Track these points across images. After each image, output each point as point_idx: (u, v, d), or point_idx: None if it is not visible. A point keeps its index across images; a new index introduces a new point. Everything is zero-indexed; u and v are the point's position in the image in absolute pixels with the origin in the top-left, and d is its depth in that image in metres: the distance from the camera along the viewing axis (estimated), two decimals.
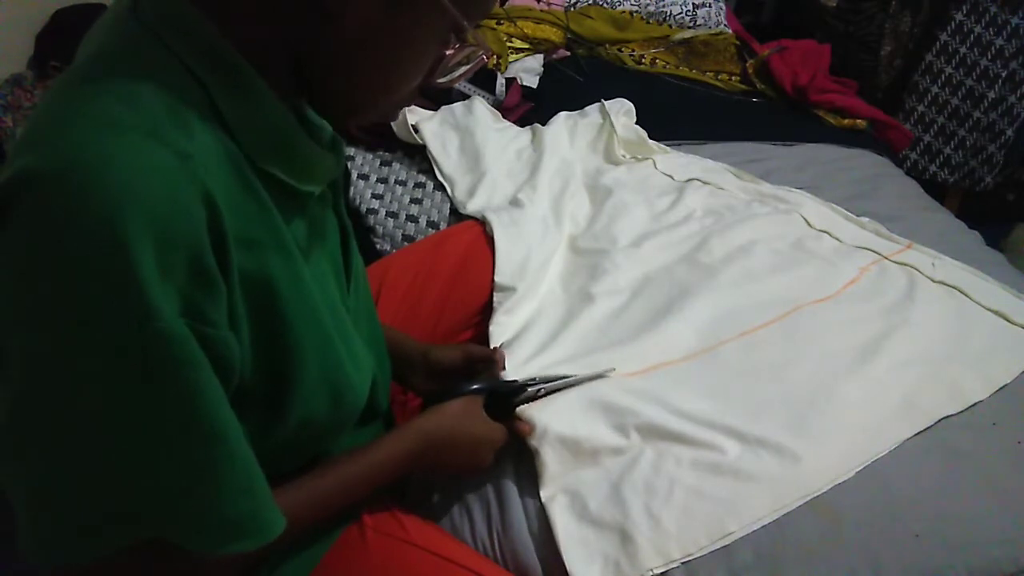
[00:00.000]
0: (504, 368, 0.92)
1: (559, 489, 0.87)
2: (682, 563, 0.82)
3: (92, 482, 0.49)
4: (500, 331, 1.05)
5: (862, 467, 0.90)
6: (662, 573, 0.81)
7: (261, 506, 0.56)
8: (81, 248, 0.44)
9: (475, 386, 0.83)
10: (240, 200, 0.52)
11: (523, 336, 1.04)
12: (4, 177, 0.46)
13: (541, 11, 1.93)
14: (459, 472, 0.88)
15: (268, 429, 0.59)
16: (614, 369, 0.98)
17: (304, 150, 0.57)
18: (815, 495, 0.87)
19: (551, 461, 0.88)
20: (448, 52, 0.57)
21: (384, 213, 1.32)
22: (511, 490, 0.89)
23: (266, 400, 0.58)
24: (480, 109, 1.50)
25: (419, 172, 1.41)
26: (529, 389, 0.88)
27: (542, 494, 0.87)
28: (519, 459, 0.91)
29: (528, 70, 1.79)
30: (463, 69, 0.61)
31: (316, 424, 0.63)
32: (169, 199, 0.46)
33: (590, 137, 1.54)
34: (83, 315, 0.45)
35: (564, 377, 0.94)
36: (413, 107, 1.47)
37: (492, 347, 1.02)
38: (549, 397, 0.92)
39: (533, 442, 0.89)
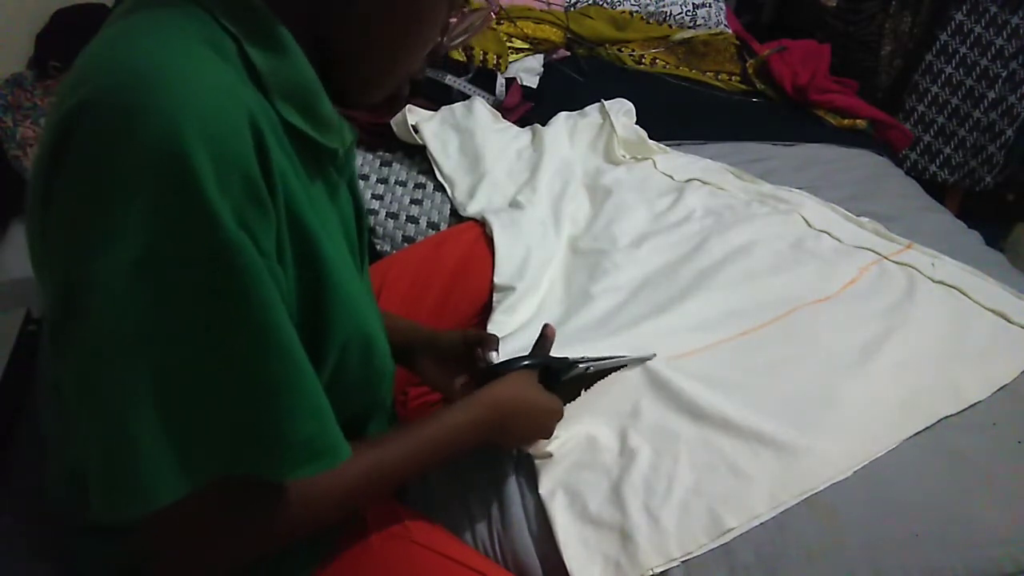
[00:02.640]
0: (552, 344, 0.91)
1: (558, 485, 0.87)
2: (682, 562, 0.82)
3: (168, 409, 0.48)
4: (498, 329, 1.05)
5: (861, 467, 0.90)
6: (662, 572, 0.81)
7: (329, 428, 0.55)
8: (144, 162, 0.45)
9: (528, 362, 0.84)
10: (273, 142, 0.53)
11: (520, 334, 1.04)
12: (59, 114, 0.47)
13: (541, 11, 1.93)
14: (525, 442, 0.89)
15: None
16: (655, 354, 0.99)
17: (326, 109, 0.58)
18: (814, 493, 0.87)
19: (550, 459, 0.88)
20: (452, 20, 0.60)
21: (384, 214, 1.32)
22: (511, 490, 0.89)
23: (304, 344, 0.57)
24: (480, 109, 1.50)
25: (419, 173, 1.40)
26: (579, 366, 0.89)
27: (541, 490, 0.87)
28: (519, 459, 0.91)
29: (528, 70, 1.79)
30: (465, 36, 0.64)
31: (347, 381, 0.63)
32: (222, 115, 0.47)
33: (590, 137, 1.54)
34: (149, 229, 0.46)
35: (611, 357, 0.95)
36: (413, 107, 1.47)
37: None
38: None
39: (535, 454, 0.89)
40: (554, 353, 0.89)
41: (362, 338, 0.64)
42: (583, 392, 0.96)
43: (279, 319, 0.50)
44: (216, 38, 0.51)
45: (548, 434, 0.86)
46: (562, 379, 0.88)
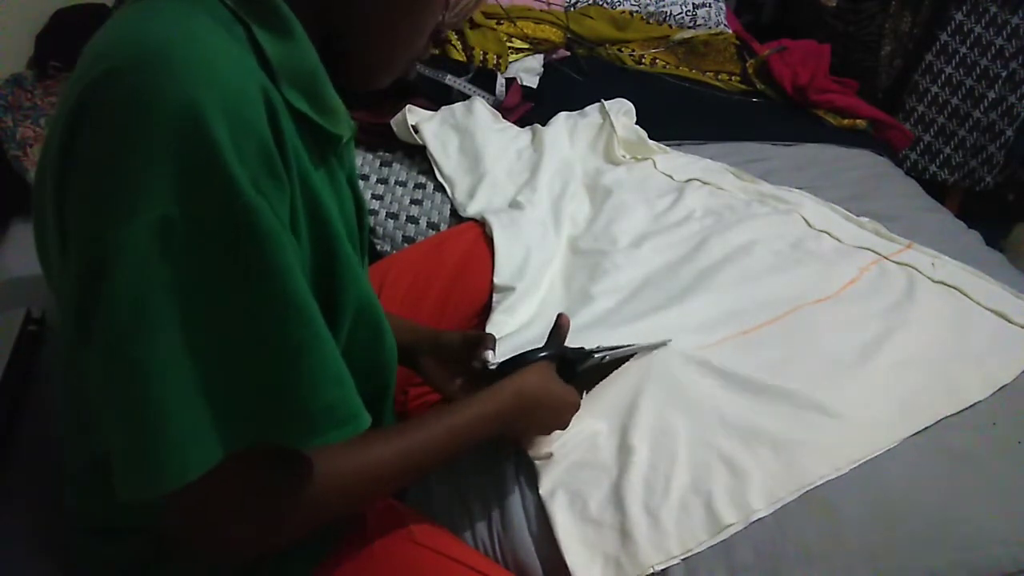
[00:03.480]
0: (567, 334, 0.91)
1: (558, 484, 0.87)
2: (682, 560, 0.82)
3: (194, 375, 0.48)
4: (498, 329, 1.05)
5: (860, 464, 0.90)
6: (663, 570, 0.81)
7: (350, 396, 0.55)
8: (164, 132, 0.46)
9: (544, 353, 0.83)
10: (285, 120, 0.53)
11: (520, 334, 1.05)
12: (74, 95, 0.48)
13: (541, 11, 1.93)
14: (542, 434, 0.89)
15: None
16: (671, 340, 1.00)
17: (330, 95, 0.59)
18: (812, 488, 0.87)
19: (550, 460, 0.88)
20: None
21: (384, 214, 1.32)
22: (511, 490, 0.89)
23: None
24: (480, 109, 1.50)
25: (419, 173, 1.40)
26: (595, 356, 0.89)
27: (541, 490, 0.87)
28: (519, 459, 0.91)
29: (528, 70, 1.79)
30: (465, 13, 0.66)
31: (358, 361, 0.63)
32: (240, 89, 0.48)
33: (590, 137, 1.54)
34: (171, 197, 0.46)
35: (626, 346, 0.95)
36: (413, 107, 1.47)
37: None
38: None
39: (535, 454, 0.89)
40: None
41: (371, 315, 0.64)
42: (598, 383, 0.95)
43: (299, 285, 0.51)
44: (226, 22, 0.52)
45: (565, 426, 0.87)
46: (579, 370, 0.88)
